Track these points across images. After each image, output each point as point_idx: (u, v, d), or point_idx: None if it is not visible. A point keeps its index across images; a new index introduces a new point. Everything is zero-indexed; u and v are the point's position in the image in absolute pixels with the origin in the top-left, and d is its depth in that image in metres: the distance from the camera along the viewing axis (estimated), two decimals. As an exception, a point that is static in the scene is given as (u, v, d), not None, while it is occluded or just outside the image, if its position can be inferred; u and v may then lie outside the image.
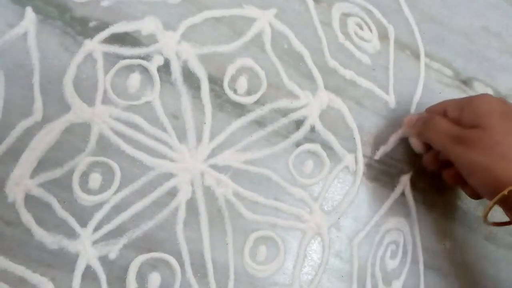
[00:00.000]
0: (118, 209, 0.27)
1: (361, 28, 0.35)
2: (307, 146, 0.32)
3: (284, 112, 0.32)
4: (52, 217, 0.26)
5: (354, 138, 0.33)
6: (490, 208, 0.27)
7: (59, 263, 0.26)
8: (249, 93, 0.31)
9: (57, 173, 0.26)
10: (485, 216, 0.28)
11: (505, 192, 0.25)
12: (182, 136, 0.29)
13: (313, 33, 0.34)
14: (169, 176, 0.28)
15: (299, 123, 0.32)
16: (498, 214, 0.29)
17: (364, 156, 0.33)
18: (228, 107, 0.30)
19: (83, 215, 0.26)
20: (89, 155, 0.27)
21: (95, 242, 0.26)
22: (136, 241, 0.27)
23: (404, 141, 0.35)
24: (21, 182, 0.26)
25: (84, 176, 0.27)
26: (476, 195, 0.31)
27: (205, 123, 0.30)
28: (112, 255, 0.26)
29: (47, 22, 0.28)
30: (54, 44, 0.27)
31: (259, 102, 0.31)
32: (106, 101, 0.28)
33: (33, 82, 0.27)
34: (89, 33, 0.28)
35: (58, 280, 0.25)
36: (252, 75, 0.31)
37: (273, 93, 0.32)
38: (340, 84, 0.34)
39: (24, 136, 0.26)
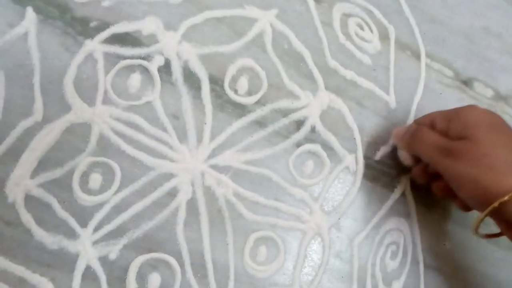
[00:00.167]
0: (118, 209, 0.27)
1: (361, 28, 0.35)
2: (307, 146, 0.32)
3: (285, 113, 0.32)
4: (52, 217, 0.26)
5: (354, 139, 0.33)
6: (481, 221, 0.27)
7: (59, 263, 0.25)
8: (249, 93, 0.31)
9: (57, 173, 0.26)
10: (476, 228, 0.28)
11: (496, 204, 0.25)
12: (182, 136, 0.29)
13: (314, 33, 0.34)
14: (169, 176, 0.28)
15: (299, 124, 0.32)
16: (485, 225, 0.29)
17: (365, 156, 0.33)
18: (229, 107, 0.30)
19: (83, 215, 0.26)
20: (90, 155, 0.27)
21: (95, 243, 0.26)
22: (136, 241, 0.27)
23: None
24: (21, 182, 0.26)
25: (84, 176, 0.27)
26: (466, 208, 0.30)
27: (205, 123, 0.30)
28: (112, 256, 0.26)
29: (47, 22, 0.28)
30: (55, 44, 0.27)
31: (259, 103, 0.31)
32: (106, 101, 0.28)
33: (33, 82, 0.27)
34: (90, 33, 0.28)
35: (58, 281, 0.25)
36: (252, 75, 0.31)
37: (273, 93, 0.32)
38: (341, 85, 0.34)
39: (24, 136, 0.26)
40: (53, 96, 0.27)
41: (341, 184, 0.32)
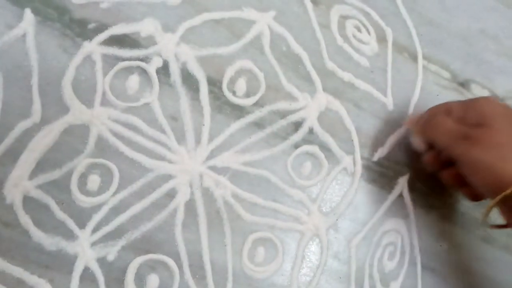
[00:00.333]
0: (116, 210, 0.27)
1: (359, 30, 0.36)
2: (305, 147, 0.32)
3: (283, 114, 0.32)
4: (50, 219, 0.26)
5: (352, 140, 0.33)
6: (491, 208, 0.27)
7: (57, 264, 0.25)
8: (248, 95, 0.31)
9: (55, 174, 0.26)
10: (485, 216, 0.28)
11: (508, 191, 0.25)
12: (181, 138, 0.29)
13: (312, 35, 0.34)
14: (167, 177, 0.28)
15: (297, 125, 0.32)
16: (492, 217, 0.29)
17: (362, 158, 0.33)
18: (227, 109, 0.31)
19: (81, 217, 0.26)
20: (88, 157, 0.27)
21: (93, 244, 0.26)
22: (134, 242, 0.27)
23: (402, 143, 0.35)
24: (20, 183, 0.26)
25: (83, 178, 0.27)
26: (474, 197, 0.31)
27: (204, 125, 0.30)
28: (111, 257, 0.26)
29: (46, 23, 0.28)
30: (53, 45, 0.27)
31: (258, 104, 0.31)
32: (105, 102, 0.28)
33: (31, 84, 0.27)
34: (88, 35, 0.28)
35: (56, 282, 0.25)
36: (251, 77, 0.32)
37: (272, 95, 0.32)
38: (339, 86, 0.34)
39: (22, 137, 0.26)
40: (51, 98, 0.27)
41: (339, 185, 0.33)
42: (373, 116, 0.34)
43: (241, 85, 0.31)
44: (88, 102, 0.28)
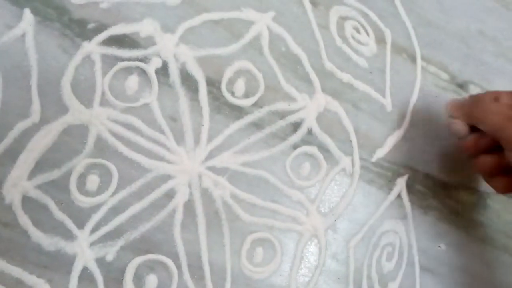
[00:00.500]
0: (115, 210, 0.27)
1: (358, 31, 0.36)
2: (304, 148, 0.32)
3: (282, 115, 0.32)
4: (49, 219, 0.26)
5: (350, 141, 0.33)
6: None
7: (56, 265, 0.26)
8: (246, 95, 0.31)
9: (54, 174, 0.26)
10: None
11: None
12: (179, 138, 0.29)
13: (311, 36, 0.34)
14: (166, 178, 0.28)
15: (296, 126, 0.32)
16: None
17: (361, 158, 0.33)
18: (226, 109, 0.31)
19: (80, 217, 0.26)
20: (87, 157, 0.27)
21: (92, 244, 0.26)
22: (133, 242, 0.27)
23: (400, 144, 0.35)
24: (19, 183, 0.26)
25: (82, 178, 0.27)
26: (506, 189, 0.30)
27: (203, 125, 0.30)
28: (109, 257, 0.26)
29: (45, 23, 0.28)
30: (52, 45, 0.27)
31: (256, 105, 0.31)
32: (104, 103, 0.28)
33: (31, 84, 0.27)
34: (88, 35, 0.28)
35: (55, 282, 0.25)
36: (250, 77, 0.32)
37: (270, 95, 0.32)
38: (337, 87, 0.34)
39: (21, 137, 0.26)
40: (51, 98, 0.27)
41: (338, 186, 0.33)
42: (372, 117, 0.35)
43: (240, 85, 0.31)
44: (87, 102, 0.28)
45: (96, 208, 0.27)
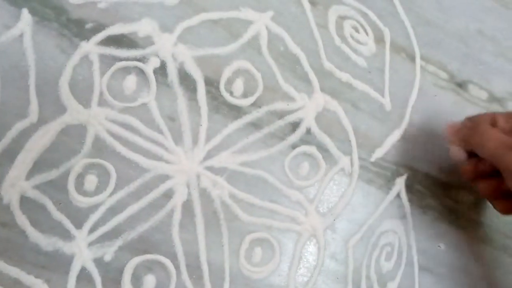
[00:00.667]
0: (113, 211, 0.27)
1: (357, 31, 0.36)
2: (303, 148, 0.32)
3: (280, 114, 0.32)
4: (47, 219, 0.26)
5: (349, 141, 0.33)
6: None
7: (54, 265, 0.25)
8: (245, 95, 0.31)
9: (52, 174, 0.26)
10: None
11: None
12: (178, 138, 0.29)
13: (310, 35, 0.34)
14: (165, 178, 0.28)
15: (295, 125, 0.32)
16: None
17: (360, 158, 0.33)
18: (224, 109, 0.31)
19: (78, 217, 0.26)
20: (85, 157, 0.27)
21: (90, 244, 0.26)
22: (131, 243, 0.27)
23: (399, 144, 0.35)
24: (17, 183, 0.26)
25: (80, 178, 0.27)
26: (508, 210, 0.30)
27: (201, 125, 0.30)
28: (107, 257, 0.26)
29: (43, 24, 0.28)
30: (50, 46, 0.27)
31: (255, 104, 0.31)
32: (102, 103, 0.28)
33: (29, 84, 0.27)
34: (86, 35, 0.28)
35: (53, 282, 0.25)
36: (248, 77, 0.32)
37: (269, 95, 0.32)
38: (336, 87, 0.34)
39: (19, 137, 0.26)
40: (49, 98, 0.27)
41: (336, 186, 0.33)
42: (371, 116, 0.35)
43: (239, 85, 0.31)
44: (85, 102, 0.28)
45: (94, 208, 0.27)
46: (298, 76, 0.33)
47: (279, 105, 0.32)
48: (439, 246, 0.35)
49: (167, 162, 0.29)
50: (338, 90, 0.34)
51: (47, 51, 0.27)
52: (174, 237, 0.28)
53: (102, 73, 0.28)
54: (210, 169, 0.29)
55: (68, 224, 0.26)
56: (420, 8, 0.38)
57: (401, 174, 0.35)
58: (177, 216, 0.28)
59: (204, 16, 0.31)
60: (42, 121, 0.27)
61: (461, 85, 0.38)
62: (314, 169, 0.32)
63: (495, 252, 0.36)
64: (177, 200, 0.28)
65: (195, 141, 0.29)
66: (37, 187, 0.26)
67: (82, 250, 0.26)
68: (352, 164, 0.33)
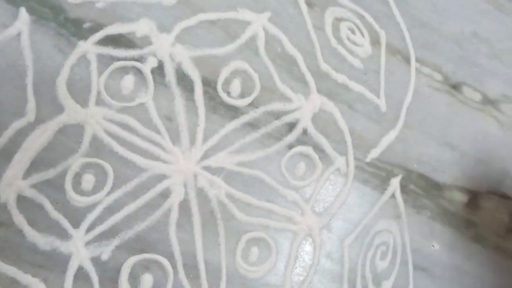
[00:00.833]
0: (110, 210, 0.27)
1: (353, 32, 0.36)
2: (299, 148, 0.32)
3: (277, 115, 0.32)
4: (44, 218, 0.26)
5: (345, 141, 0.34)
6: None
7: (51, 264, 0.26)
8: (242, 95, 0.31)
9: (50, 174, 0.26)
10: None
11: None
12: (175, 138, 0.29)
13: (306, 37, 0.34)
14: (162, 177, 0.28)
15: (291, 126, 0.32)
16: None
17: (355, 158, 0.34)
18: (222, 109, 0.31)
19: (75, 216, 0.26)
20: (82, 156, 0.27)
21: (87, 243, 0.26)
22: (128, 242, 0.27)
23: (394, 144, 0.35)
24: (14, 182, 0.26)
25: (77, 177, 0.27)
26: None
27: (198, 125, 0.30)
28: (105, 256, 0.27)
29: (41, 23, 0.28)
30: (48, 45, 0.27)
31: (252, 105, 0.31)
32: (99, 102, 0.28)
33: (26, 83, 0.27)
34: (83, 35, 0.28)
35: (50, 281, 0.25)
36: (245, 78, 0.32)
37: (266, 96, 0.32)
38: (333, 88, 0.34)
39: (17, 136, 0.26)
40: (46, 97, 0.27)
41: (332, 186, 0.33)
42: (366, 117, 0.35)
43: (236, 85, 0.31)
44: (82, 101, 0.28)
45: (91, 207, 0.27)
46: (295, 77, 0.33)
47: (276, 106, 0.32)
48: (432, 245, 0.35)
49: (164, 162, 0.29)
50: (334, 91, 0.34)
51: (45, 50, 0.27)
52: (171, 236, 0.28)
53: (100, 73, 0.28)
54: (207, 169, 0.29)
55: (65, 223, 0.26)
56: (415, 10, 0.39)
57: (396, 175, 0.35)
58: (174, 216, 0.28)
59: (202, 16, 0.31)
60: (39, 120, 0.27)
61: (456, 86, 0.39)
62: (310, 169, 0.32)
63: (489, 251, 0.37)
64: (174, 200, 0.28)
65: (192, 141, 0.30)
66: (34, 186, 0.26)
67: (79, 249, 0.26)
68: (347, 165, 0.33)
